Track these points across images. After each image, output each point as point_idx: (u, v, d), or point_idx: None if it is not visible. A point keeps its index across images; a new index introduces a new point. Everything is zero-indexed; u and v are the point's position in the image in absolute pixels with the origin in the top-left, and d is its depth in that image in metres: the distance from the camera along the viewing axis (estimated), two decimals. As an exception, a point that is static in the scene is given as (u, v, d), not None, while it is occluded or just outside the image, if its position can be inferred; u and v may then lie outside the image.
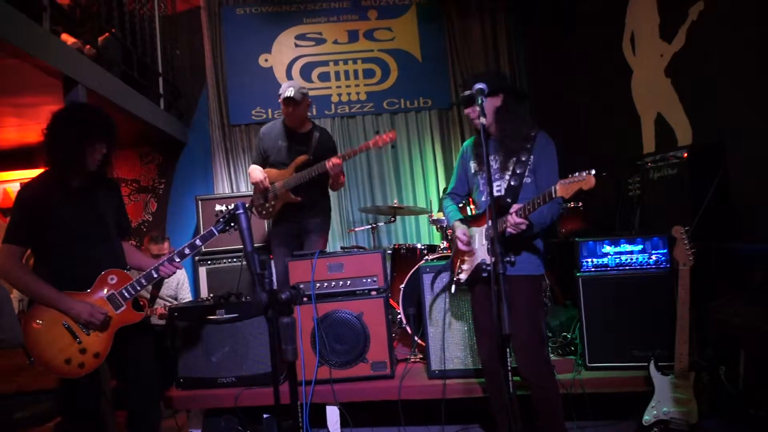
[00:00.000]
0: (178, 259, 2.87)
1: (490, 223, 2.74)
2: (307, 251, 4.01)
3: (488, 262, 2.78)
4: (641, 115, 4.76)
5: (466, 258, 3.02)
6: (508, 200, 2.85)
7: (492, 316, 2.31)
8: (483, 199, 3.01)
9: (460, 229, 3.01)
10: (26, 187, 2.79)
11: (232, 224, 2.86)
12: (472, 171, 3.09)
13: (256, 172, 4.36)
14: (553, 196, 2.54)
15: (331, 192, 4.53)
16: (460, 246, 2.99)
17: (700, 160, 3.65)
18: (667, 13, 4.33)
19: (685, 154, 3.69)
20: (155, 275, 2.85)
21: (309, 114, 6.49)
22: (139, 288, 2.82)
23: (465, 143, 3.25)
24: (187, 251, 2.88)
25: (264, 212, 4.42)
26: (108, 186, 2.97)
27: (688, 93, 4.15)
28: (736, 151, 3.58)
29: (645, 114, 4.72)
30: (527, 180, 2.88)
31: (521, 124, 2.94)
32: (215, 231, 2.88)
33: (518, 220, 2.66)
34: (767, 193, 3.38)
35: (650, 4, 4.50)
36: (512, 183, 2.87)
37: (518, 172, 2.87)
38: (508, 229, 2.70)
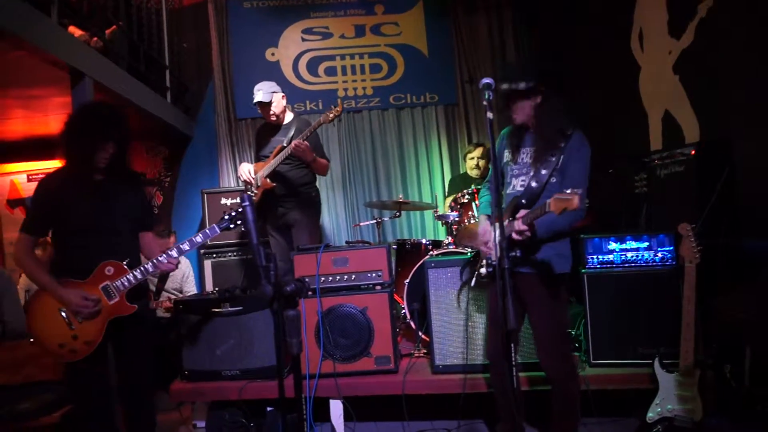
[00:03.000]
0: (176, 255, 2.95)
1: (506, 222, 2.74)
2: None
3: (494, 259, 2.77)
4: (648, 112, 4.74)
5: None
6: (523, 201, 2.79)
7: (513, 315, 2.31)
8: (508, 191, 2.97)
9: (482, 226, 2.97)
10: (43, 181, 2.94)
11: (239, 222, 2.99)
12: (505, 160, 3.02)
13: (242, 167, 4.62)
14: (546, 210, 2.50)
15: (337, 186, 4.55)
16: (478, 243, 2.99)
17: (708, 158, 3.63)
18: (675, 9, 4.31)
19: (693, 152, 3.68)
20: (151, 269, 2.92)
21: (316, 108, 6.54)
22: (133, 281, 2.90)
23: (504, 131, 3.12)
24: (186, 247, 2.96)
25: None
26: (128, 181, 3.06)
27: (696, 90, 4.13)
28: (743, 147, 3.57)
29: (652, 111, 4.70)
30: (552, 180, 2.80)
31: (559, 119, 2.84)
32: (217, 228, 2.99)
33: (522, 227, 2.65)
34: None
35: (659, 1, 4.47)
36: (532, 184, 2.80)
37: (542, 172, 2.80)
38: (514, 235, 2.67)
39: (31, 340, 2.89)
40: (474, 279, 3.11)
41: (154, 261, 2.92)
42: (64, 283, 2.83)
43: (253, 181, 4.51)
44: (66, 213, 2.85)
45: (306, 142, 4.25)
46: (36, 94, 4.74)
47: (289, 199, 4.57)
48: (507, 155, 3.01)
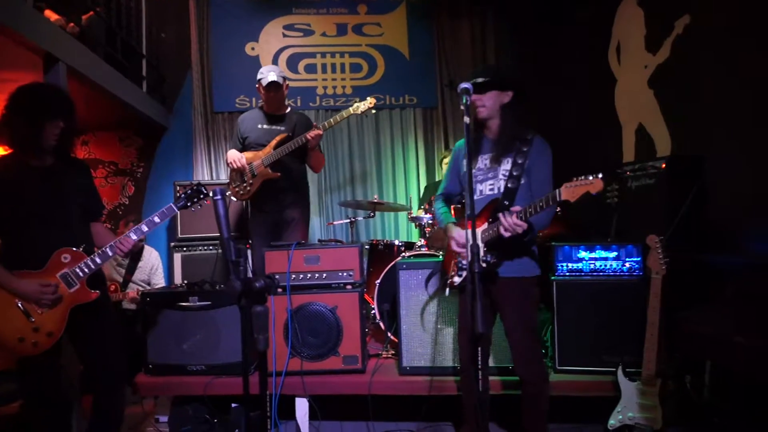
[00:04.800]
0: (134, 237, 2.87)
1: (485, 225, 2.80)
2: (284, 242, 4.02)
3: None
4: (623, 125, 4.81)
5: (462, 260, 3.01)
6: (506, 203, 2.82)
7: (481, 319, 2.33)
8: (475, 197, 2.96)
9: (456, 231, 2.95)
10: None
11: (195, 200, 2.97)
12: (464, 170, 3.05)
13: (233, 152, 4.44)
14: (558, 199, 2.53)
15: (311, 183, 4.53)
16: (455, 247, 2.93)
17: (678, 172, 3.70)
18: (653, 24, 4.38)
19: (663, 165, 3.74)
20: (110, 253, 2.84)
21: (294, 105, 6.48)
22: (93, 267, 2.81)
23: (458, 142, 3.23)
24: (144, 228, 2.90)
25: (242, 192, 4.42)
26: (75, 167, 2.96)
27: (669, 105, 4.21)
28: (713, 163, 3.64)
29: (627, 123, 4.77)
30: (522, 181, 2.85)
31: (521, 125, 2.92)
32: (175, 208, 2.93)
33: (518, 222, 2.62)
34: (742, 206, 3.44)
35: (638, 16, 4.55)
36: (509, 185, 2.84)
37: (515, 174, 2.84)
38: (504, 232, 2.67)
39: None
40: (447, 289, 3.08)
41: (113, 243, 2.84)
42: (18, 274, 2.71)
43: (247, 169, 4.36)
44: (15, 201, 2.74)
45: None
46: (7, 78, 4.62)
47: (287, 195, 4.47)
48: (466, 165, 3.04)
